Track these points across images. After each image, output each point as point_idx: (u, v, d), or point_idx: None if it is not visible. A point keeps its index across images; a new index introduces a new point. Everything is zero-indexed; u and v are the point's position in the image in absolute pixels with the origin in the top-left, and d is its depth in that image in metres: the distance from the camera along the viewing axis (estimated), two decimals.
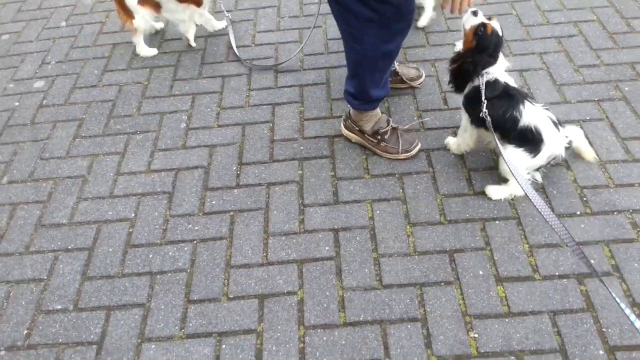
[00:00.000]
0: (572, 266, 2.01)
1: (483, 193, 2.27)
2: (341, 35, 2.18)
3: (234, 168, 2.51)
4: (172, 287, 2.09)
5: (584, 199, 2.22)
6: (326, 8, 3.38)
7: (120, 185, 2.49)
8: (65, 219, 2.38)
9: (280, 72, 3.00)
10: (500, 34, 2.10)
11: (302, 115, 2.74)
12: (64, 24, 3.58)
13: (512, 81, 2.16)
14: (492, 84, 2.09)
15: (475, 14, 2.09)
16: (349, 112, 2.51)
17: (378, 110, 2.48)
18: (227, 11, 3.31)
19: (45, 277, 2.17)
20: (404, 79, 2.76)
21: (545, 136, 2.09)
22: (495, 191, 2.26)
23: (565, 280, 1.97)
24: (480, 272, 2.02)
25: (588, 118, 2.56)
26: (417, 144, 2.47)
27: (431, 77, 2.86)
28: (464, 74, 2.13)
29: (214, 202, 2.37)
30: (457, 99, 2.64)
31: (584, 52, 2.94)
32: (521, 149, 2.11)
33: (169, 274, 2.13)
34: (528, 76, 2.81)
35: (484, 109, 2.06)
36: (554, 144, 2.11)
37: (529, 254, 2.07)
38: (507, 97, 2.10)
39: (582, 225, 2.13)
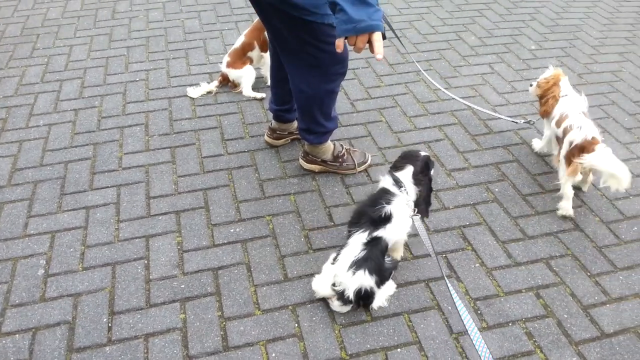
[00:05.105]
0: None
1: (382, 317, 2.18)
2: (290, 79, 2.59)
3: (104, 320, 2.18)
4: None
5: (479, 312, 2.21)
6: (200, 124, 3.29)
7: None
8: None
9: (152, 198, 2.77)
10: None
11: (180, 246, 2.51)
12: None
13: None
14: None
15: None
16: (306, 150, 2.89)
17: (330, 142, 2.85)
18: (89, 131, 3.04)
19: None
20: None
21: (338, 266, 2.13)
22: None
23: None
24: None
25: (467, 223, 2.62)
26: (369, 156, 2.97)
27: (313, 192, 2.80)
28: None
29: None
30: (343, 215, 2.60)
31: (453, 156, 3.07)
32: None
33: None
34: None
35: None
36: (339, 277, 2.11)
37: None
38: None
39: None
